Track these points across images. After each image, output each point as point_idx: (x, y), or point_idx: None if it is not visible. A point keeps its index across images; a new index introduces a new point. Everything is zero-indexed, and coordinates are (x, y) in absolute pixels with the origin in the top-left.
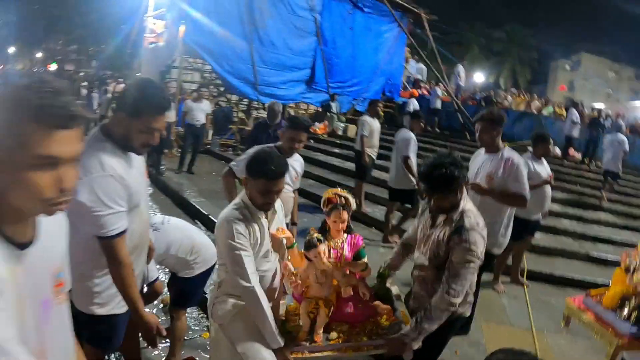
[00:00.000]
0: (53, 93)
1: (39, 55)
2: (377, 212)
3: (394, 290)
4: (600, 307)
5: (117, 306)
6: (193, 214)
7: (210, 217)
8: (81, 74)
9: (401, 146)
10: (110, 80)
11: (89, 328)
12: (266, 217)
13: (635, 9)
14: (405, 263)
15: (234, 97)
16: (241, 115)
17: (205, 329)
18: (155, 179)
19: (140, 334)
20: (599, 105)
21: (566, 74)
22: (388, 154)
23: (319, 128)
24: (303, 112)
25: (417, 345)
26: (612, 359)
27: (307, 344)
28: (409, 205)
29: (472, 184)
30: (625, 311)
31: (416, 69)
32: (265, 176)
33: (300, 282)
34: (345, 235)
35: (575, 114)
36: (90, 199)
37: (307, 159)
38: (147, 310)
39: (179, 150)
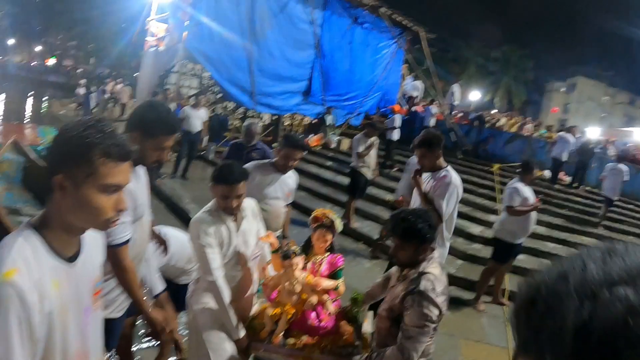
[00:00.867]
0: (112, 132)
1: (38, 48)
2: (365, 227)
3: (366, 326)
4: None
5: (115, 310)
6: (186, 220)
7: None
8: (79, 70)
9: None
10: (108, 80)
11: None
12: (235, 221)
13: (633, 35)
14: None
15: (231, 105)
16: (237, 123)
17: None
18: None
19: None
20: (593, 129)
21: (561, 96)
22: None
23: (313, 140)
24: (297, 122)
25: None
26: None
27: (265, 343)
28: None
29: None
30: None
31: (412, 85)
32: (223, 182)
33: (271, 285)
34: (327, 253)
35: (568, 138)
36: None
37: (299, 171)
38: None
39: (174, 154)
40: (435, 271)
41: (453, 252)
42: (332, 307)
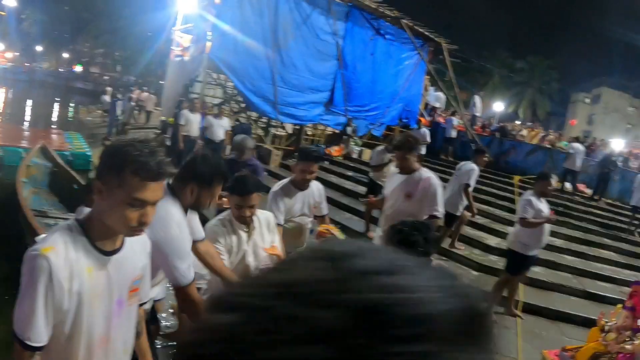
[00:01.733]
0: (150, 153)
1: (66, 55)
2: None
3: None
4: None
5: None
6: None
7: None
8: (106, 77)
9: (464, 175)
10: (134, 88)
11: None
12: (247, 231)
13: None
14: None
15: (254, 115)
16: (260, 132)
17: None
18: None
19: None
20: (617, 141)
21: (585, 107)
22: None
23: (335, 150)
24: (320, 132)
25: None
26: None
27: None
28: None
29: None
30: None
31: (434, 97)
32: (237, 192)
33: None
34: None
35: (578, 147)
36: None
37: (320, 181)
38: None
39: None
40: None
41: (468, 263)
42: None
